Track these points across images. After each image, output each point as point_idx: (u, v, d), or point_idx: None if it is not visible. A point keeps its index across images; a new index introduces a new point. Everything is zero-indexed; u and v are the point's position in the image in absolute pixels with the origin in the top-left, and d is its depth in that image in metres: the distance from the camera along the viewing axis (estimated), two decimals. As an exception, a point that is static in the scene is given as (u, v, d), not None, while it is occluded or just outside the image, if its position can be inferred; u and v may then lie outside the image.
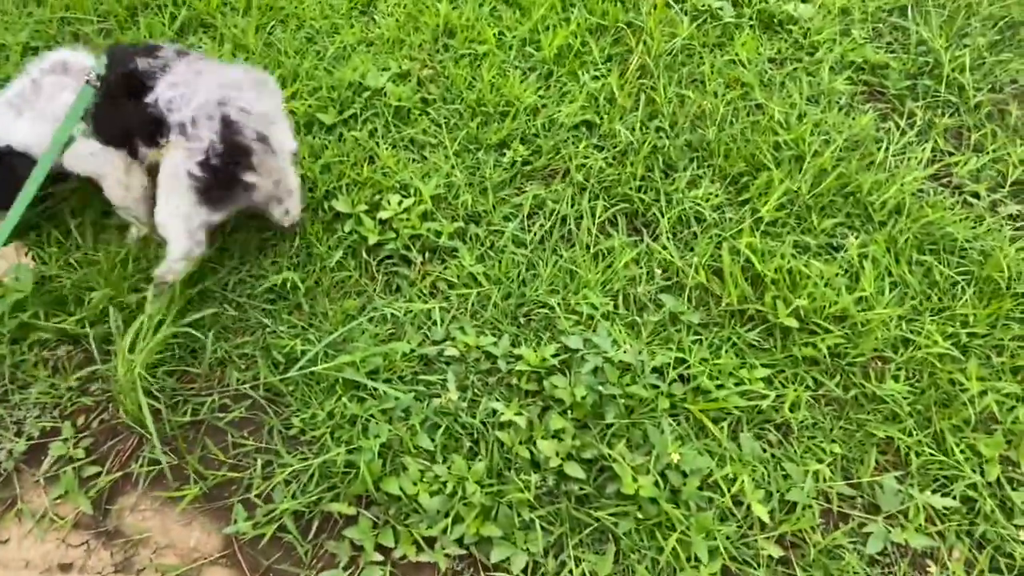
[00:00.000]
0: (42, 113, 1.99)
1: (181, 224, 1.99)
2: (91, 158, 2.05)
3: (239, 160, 1.91)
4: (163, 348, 2.00)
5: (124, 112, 1.98)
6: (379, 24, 2.83)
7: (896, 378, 2.02)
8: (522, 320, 2.11)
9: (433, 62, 2.70)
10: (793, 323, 2.04)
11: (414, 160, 2.44)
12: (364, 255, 2.22)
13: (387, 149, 2.44)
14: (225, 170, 1.90)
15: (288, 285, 2.15)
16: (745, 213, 2.30)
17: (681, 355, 2.01)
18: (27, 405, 1.96)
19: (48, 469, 1.88)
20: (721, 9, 2.87)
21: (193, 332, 2.01)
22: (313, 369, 1.96)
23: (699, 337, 2.07)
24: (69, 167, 2.08)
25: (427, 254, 2.23)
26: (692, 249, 2.24)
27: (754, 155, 2.42)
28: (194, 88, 1.92)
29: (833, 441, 1.93)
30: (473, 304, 2.14)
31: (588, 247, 2.25)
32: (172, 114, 1.91)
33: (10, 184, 1.95)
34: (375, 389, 1.93)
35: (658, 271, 2.20)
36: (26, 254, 2.17)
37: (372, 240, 2.21)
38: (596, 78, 2.65)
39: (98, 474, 1.88)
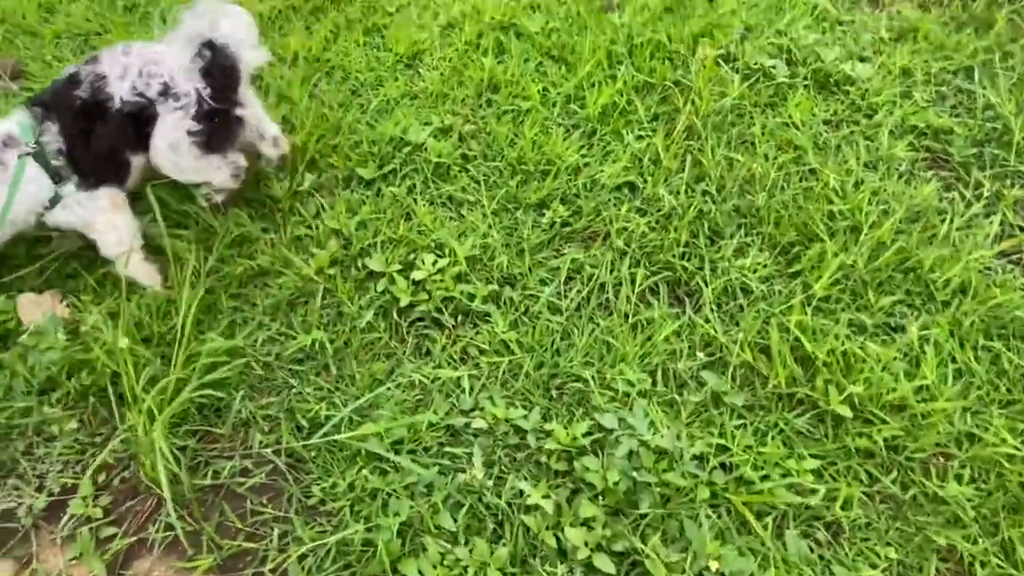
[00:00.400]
0: None
1: (213, 176, 2.21)
2: (77, 207, 2.05)
3: (229, 95, 2.04)
4: (187, 405, 1.97)
5: (102, 136, 2.01)
6: (424, 77, 2.82)
7: (959, 478, 1.85)
8: (554, 393, 2.02)
9: (476, 117, 2.67)
10: (846, 411, 1.90)
11: (451, 218, 2.39)
12: (395, 316, 2.16)
13: (424, 206, 2.40)
14: (220, 109, 2.02)
15: (317, 345, 2.10)
16: (796, 287, 2.17)
17: (723, 441, 1.88)
18: (50, 459, 1.95)
19: (65, 527, 1.85)
20: (774, 68, 2.77)
21: (218, 389, 1.99)
22: (336, 437, 1.90)
23: (743, 421, 1.94)
24: (55, 224, 2.08)
25: (459, 317, 2.17)
26: (737, 323, 2.12)
27: (806, 224, 2.30)
28: (146, 60, 1.99)
29: (888, 544, 1.77)
30: (504, 373, 2.05)
31: (626, 316, 2.15)
32: (148, 90, 1.98)
33: None
34: (398, 462, 1.86)
35: (700, 353, 2.07)
36: (61, 301, 2.18)
37: (404, 301, 2.15)
38: (641, 138, 2.57)
39: (115, 536, 1.84)
